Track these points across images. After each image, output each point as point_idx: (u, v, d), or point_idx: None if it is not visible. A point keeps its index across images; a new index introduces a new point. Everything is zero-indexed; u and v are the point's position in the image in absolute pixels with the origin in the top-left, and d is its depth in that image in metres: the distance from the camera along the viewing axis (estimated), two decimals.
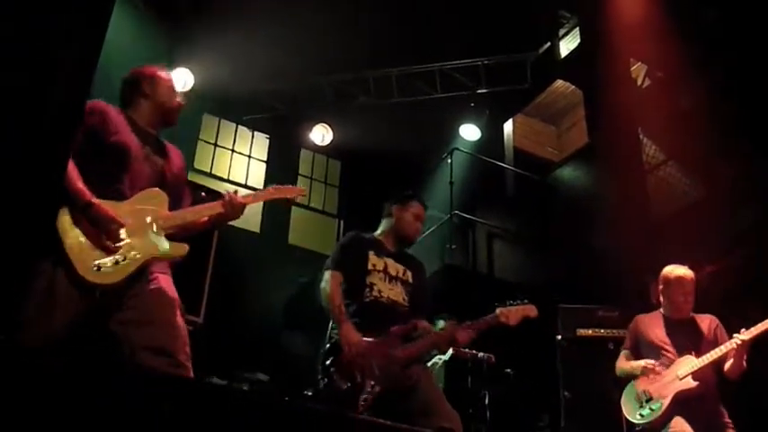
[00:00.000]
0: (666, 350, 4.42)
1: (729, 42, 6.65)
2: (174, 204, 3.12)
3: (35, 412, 1.50)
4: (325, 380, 3.79)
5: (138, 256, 2.81)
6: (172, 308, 2.89)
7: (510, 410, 6.11)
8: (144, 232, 2.88)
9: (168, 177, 3.15)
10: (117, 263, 2.75)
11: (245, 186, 10.59)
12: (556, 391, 5.82)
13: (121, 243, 2.79)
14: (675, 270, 4.55)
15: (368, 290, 3.99)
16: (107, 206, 2.80)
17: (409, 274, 4.19)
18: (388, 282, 4.07)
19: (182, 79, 8.39)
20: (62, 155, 1.86)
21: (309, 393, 5.63)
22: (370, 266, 4.06)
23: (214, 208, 3.16)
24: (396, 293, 4.06)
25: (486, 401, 5.86)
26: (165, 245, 2.93)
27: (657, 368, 4.34)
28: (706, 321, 4.47)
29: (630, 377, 4.53)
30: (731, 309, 4.50)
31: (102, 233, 2.76)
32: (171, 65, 8.29)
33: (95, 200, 2.77)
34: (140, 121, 3.17)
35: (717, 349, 4.21)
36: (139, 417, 1.61)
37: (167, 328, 2.82)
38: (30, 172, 1.67)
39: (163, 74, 3.32)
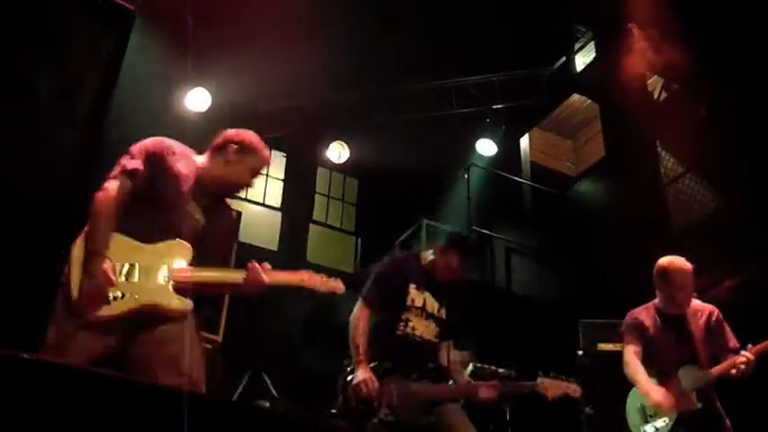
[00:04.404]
0: (663, 353, 4.20)
1: (746, 52, 6.61)
2: (204, 263, 3.00)
3: (57, 428, 1.52)
4: (341, 397, 3.84)
5: (137, 297, 2.77)
6: (187, 327, 2.90)
7: (531, 426, 6.05)
8: (153, 279, 2.84)
9: (206, 238, 3.04)
10: (115, 299, 2.73)
11: (263, 205, 10.64)
12: (577, 406, 5.76)
13: (126, 281, 2.77)
14: (674, 262, 4.22)
15: (402, 324, 3.99)
16: (124, 245, 2.80)
17: (443, 311, 4.14)
18: (424, 319, 4.06)
19: (199, 99, 8.47)
20: (82, 178, 1.88)
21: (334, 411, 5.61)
22: (408, 302, 4.04)
23: (233, 279, 3.03)
24: (429, 331, 4.06)
25: (507, 417, 5.82)
26: (168, 297, 2.85)
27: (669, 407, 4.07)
28: (704, 315, 4.21)
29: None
30: (752, 323, 4.40)
31: (95, 283, 2.68)
32: (188, 85, 8.38)
33: (105, 254, 2.73)
34: (204, 173, 3.08)
35: (721, 366, 3.98)
36: None
37: (181, 346, 2.82)
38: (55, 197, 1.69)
39: (261, 153, 3.17)
